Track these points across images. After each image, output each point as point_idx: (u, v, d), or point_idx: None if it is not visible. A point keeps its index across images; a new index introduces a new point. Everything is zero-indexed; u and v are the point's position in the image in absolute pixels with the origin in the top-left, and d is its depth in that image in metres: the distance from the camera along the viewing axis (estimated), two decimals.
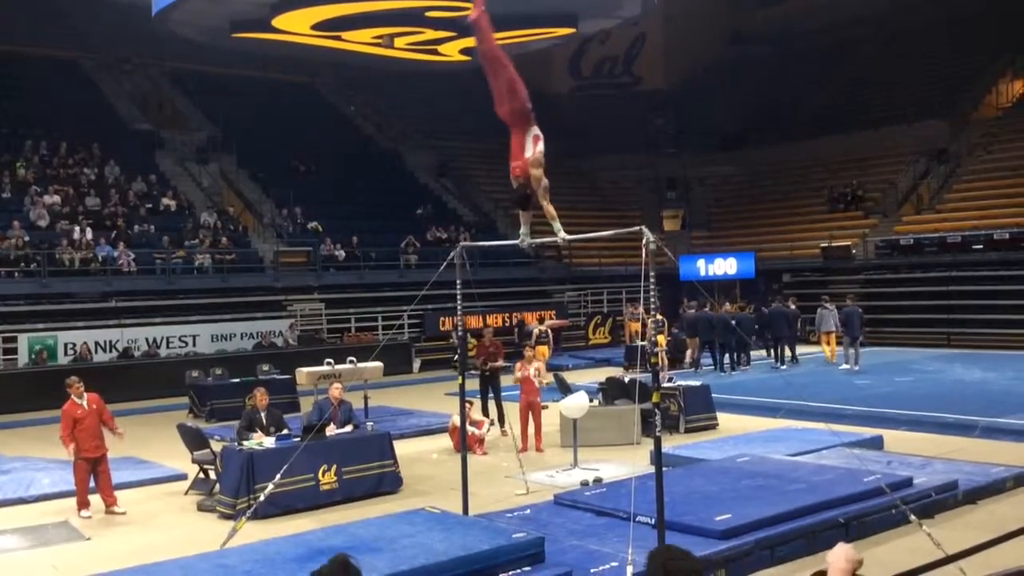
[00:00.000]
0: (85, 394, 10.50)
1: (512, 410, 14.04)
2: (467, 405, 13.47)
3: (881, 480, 9.08)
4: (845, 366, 20.57)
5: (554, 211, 7.91)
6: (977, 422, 13.43)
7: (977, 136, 30.30)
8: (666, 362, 19.27)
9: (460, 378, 9.81)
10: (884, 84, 34.31)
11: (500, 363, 15.01)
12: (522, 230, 8.38)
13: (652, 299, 7.28)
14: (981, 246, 24.67)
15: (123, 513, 10.20)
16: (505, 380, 14.98)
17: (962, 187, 28.56)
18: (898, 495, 8.81)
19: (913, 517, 8.20)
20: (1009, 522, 8.83)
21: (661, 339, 19.85)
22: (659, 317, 20.11)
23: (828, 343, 22.40)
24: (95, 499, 10.40)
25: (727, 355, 21.09)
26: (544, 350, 21.53)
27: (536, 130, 7.89)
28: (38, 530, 9.71)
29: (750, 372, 21.04)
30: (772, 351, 22.23)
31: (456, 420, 12.88)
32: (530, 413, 13.18)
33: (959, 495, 9.58)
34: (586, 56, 40.19)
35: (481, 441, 13.26)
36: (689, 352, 22.05)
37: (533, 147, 7.82)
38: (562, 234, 8.02)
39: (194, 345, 22.24)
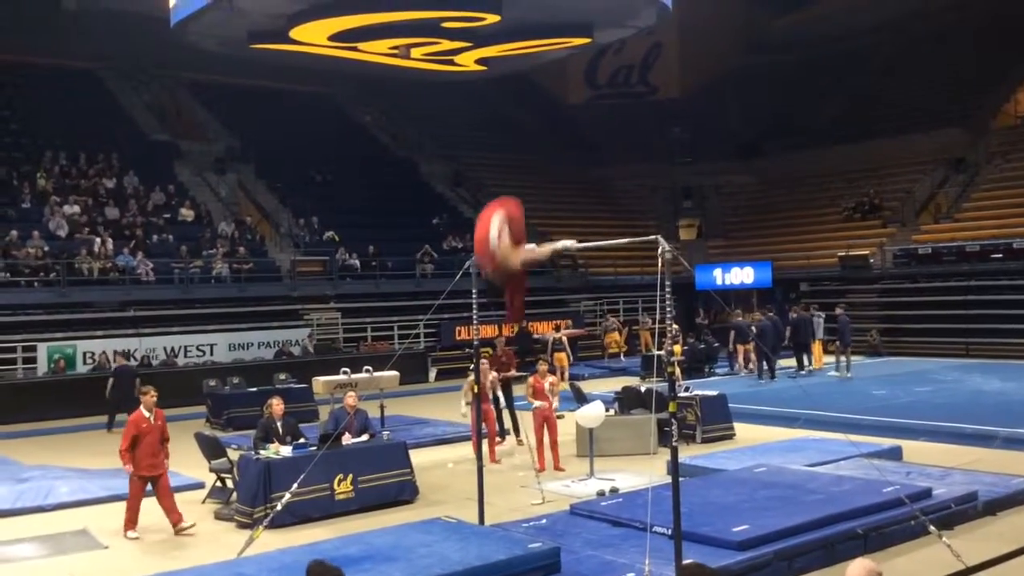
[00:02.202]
0: (155, 408, 9.91)
1: (526, 422, 13.92)
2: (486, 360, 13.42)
3: (900, 491, 9.01)
4: (834, 374, 20.88)
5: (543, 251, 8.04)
6: (997, 432, 13.31)
7: (995, 145, 30.14)
8: (679, 372, 19.27)
9: (475, 387, 9.84)
10: (901, 92, 34.17)
11: (512, 373, 14.96)
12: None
13: (668, 309, 7.28)
14: (1000, 255, 24.50)
15: (192, 525, 9.79)
16: (520, 389, 14.93)
17: (980, 196, 28.40)
18: (917, 506, 8.74)
19: (932, 528, 8.14)
20: None
21: (677, 349, 19.85)
22: (674, 327, 20.16)
23: (816, 351, 22.57)
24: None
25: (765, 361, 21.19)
26: (563, 357, 21.49)
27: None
28: (56, 538, 9.74)
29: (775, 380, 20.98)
30: (798, 358, 22.26)
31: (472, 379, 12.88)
32: (545, 429, 12.77)
33: (979, 506, 9.49)
34: (602, 65, 40.24)
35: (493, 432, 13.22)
36: (743, 358, 22.27)
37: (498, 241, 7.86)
38: (566, 243, 8.11)
39: (211, 354, 22.34)
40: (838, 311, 21.87)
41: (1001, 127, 31.19)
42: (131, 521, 9.77)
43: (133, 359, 19.96)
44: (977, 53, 32.84)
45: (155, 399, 9.91)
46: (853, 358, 22.01)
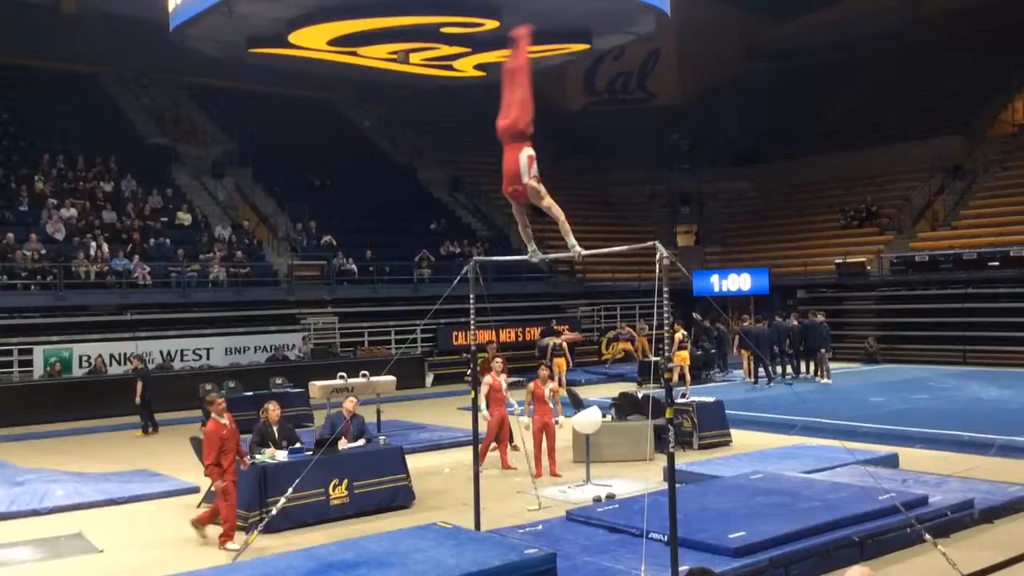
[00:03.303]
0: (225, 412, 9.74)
1: (519, 428, 13.83)
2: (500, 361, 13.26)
3: (896, 498, 9.00)
4: (826, 380, 21.21)
5: (568, 225, 7.93)
6: (994, 440, 13.32)
7: (993, 152, 30.19)
8: (688, 377, 19.42)
9: (472, 392, 9.82)
10: (899, 100, 34.25)
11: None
12: (530, 247, 8.48)
13: (666, 314, 7.28)
14: (997, 263, 24.50)
15: (204, 539, 9.52)
16: (518, 395, 14.87)
17: (978, 203, 28.44)
18: (913, 514, 8.74)
19: (928, 536, 8.14)
20: None
21: (685, 355, 19.94)
22: (681, 332, 20.36)
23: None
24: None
25: (766, 367, 21.42)
26: (562, 363, 21.54)
27: (530, 150, 7.98)
28: (51, 542, 9.72)
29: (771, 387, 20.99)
30: (807, 365, 22.30)
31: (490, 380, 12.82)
32: (543, 435, 12.70)
33: (975, 514, 9.50)
34: (600, 72, 40.32)
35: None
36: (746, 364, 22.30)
37: (529, 169, 7.87)
38: (577, 249, 8.00)
39: (208, 358, 22.30)
40: (819, 318, 22.03)
41: (998, 135, 31.23)
42: (232, 531, 9.46)
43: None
44: (975, 61, 32.93)
45: (224, 406, 9.81)
46: (846, 365, 22.11)
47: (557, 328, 24.47)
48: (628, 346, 27.25)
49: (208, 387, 18.35)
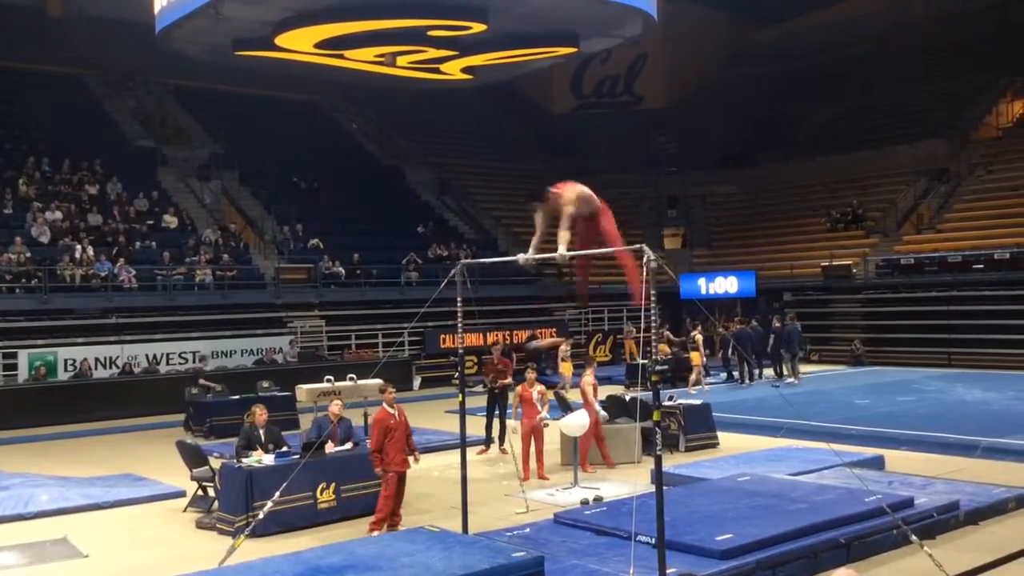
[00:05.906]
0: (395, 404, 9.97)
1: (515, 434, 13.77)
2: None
3: (882, 500, 9.03)
4: (791, 380, 21.64)
5: (568, 236, 8.24)
6: (979, 442, 13.38)
7: (977, 156, 30.37)
8: (701, 379, 19.68)
9: (460, 396, 9.80)
10: (885, 104, 34.43)
11: (508, 380, 14.85)
12: (531, 251, 8.64)
13: (653, 318, 7.30)
14: (982, 266, 24.66)
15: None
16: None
17: (963, 207, 28.60)
18: (899, 515, 8.77)
19: (914, 538, 8.17)
20: (1011, 543, 8.80)
21: (696, 356, 20.09)
22: (695, 335, 20.53)
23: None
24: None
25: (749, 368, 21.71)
26: (568, 367, 21.56)
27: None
28: (36, 547, 9.65)
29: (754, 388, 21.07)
30: (789, 366, 22.49)
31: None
32: (532, 439, 12.63)
33: (960, 516, 9.54)
34: (587, 75, 40.40)
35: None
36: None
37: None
38: (562, 250, 8.12)
39: (194, 361, 22.18)
40: (784, 322, 22.25)
41: (983, 138, 31.41)
42: (382, 522, 9.73)
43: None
44: (960, 65, 33.15)
45: (394, 395, 10.08)
46: (832, 367, 22.18)
47: (539, 333, 24.51)
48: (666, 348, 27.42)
49: (194, 391, 18.33)
